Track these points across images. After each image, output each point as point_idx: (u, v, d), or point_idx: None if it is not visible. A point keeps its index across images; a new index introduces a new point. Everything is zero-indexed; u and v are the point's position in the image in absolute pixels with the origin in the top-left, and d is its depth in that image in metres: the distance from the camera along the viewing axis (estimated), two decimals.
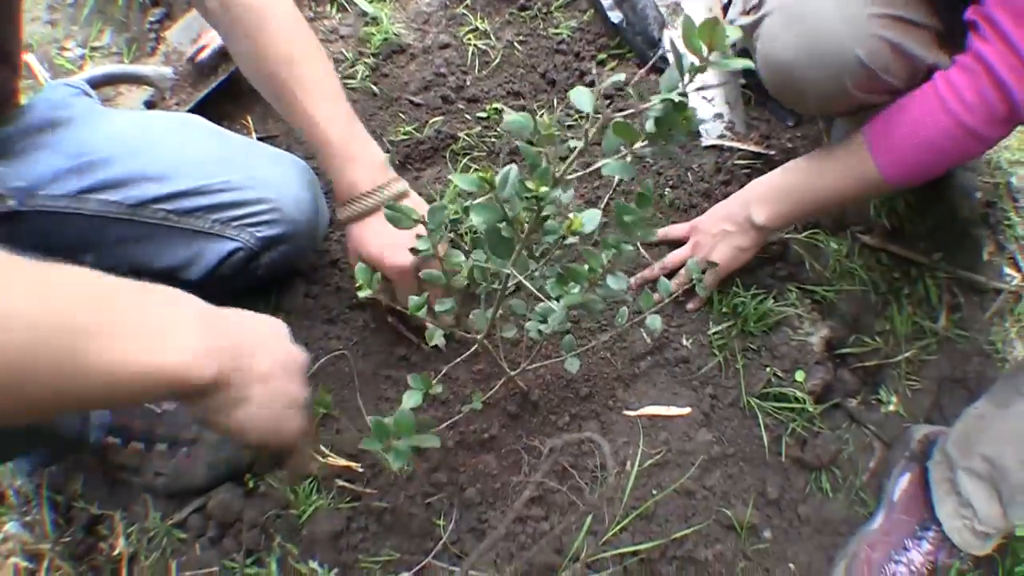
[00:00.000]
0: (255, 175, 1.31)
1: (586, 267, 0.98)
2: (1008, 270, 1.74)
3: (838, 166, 1.28)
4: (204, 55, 1.76)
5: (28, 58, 1.93)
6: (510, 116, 0.67)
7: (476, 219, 0.80)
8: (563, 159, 0.71)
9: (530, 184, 0.71)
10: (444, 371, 1.15)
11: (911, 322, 1.59)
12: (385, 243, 1.21)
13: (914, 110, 1.16)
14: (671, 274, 1.47)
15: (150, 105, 1.83)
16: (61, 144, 1.25)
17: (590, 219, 0.78)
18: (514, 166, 0.75)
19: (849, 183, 1.28)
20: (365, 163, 1.23)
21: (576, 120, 1.61)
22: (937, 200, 1.73)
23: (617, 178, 1.42)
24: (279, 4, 1.24)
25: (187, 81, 1.86)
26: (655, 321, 1.09)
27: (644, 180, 0.94)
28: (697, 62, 0.60)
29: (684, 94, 0.63)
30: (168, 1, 2.12)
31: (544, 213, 0.79)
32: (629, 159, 0.70)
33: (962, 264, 1.68)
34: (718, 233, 1.42)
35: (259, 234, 1.29)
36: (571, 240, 0.90)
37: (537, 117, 0.66)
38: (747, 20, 1.24)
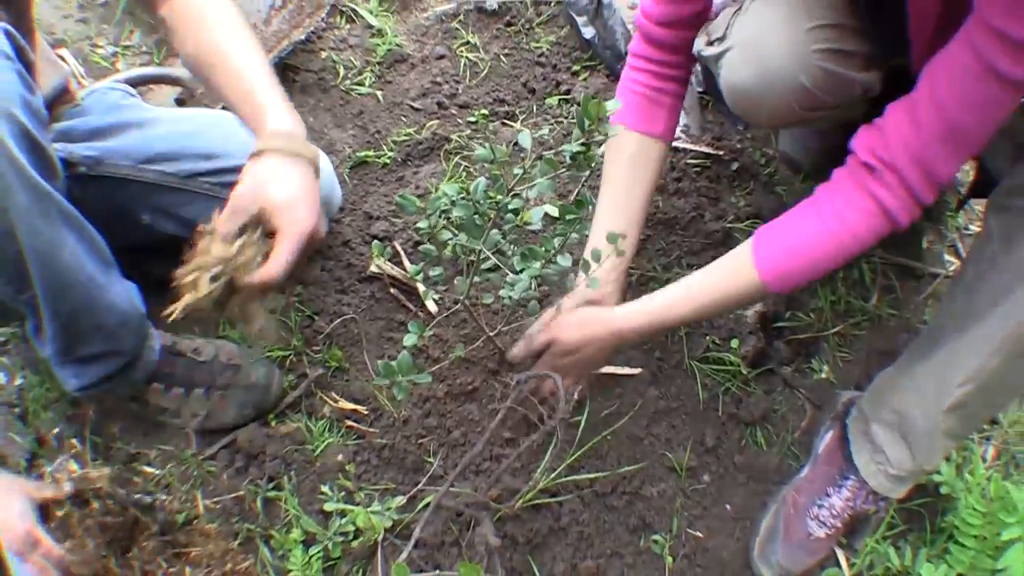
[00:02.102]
0: None
1: (543, 248, 1.32)
2: (948, 256, 1.98)
3: (725, 296, 1.38)
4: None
5: (64, 53, 2.17)
6: (478, 150, 1.01)
7: (457, 213, 1.16)
8: (583, 151, 1.04)
9: (491, 192, 1.06)
10: (435, 327, 1.49)
11: (844, 301, 1.85)
12: (290, 187, 1.25)
13: (821, 250, 1.29)
14: None
15: (180, 102, 2.10)
16: (123, 131, 1.57)
17: (536, 214, 1.13)
18: (483, 179, 1.10)
19: (732, 306, 1.49)
20: (296, 116, 1.34)
21: (551, 124, 1.95)
22: None
23: (585, 175, 1.75)
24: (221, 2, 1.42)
25: None
26: (595, 283, 1.42)
27: (582, 189, 1.26)
28: None
29: (586, 143, 0.98)
30: None
31: (512, 207, 1.15)
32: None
33: (900, 252, 1.92)
34: (582, 362, 1.50)
35: None
36: (536, 226, 1.24)
37: (497, 146, 1.00)
38: (712, 51, 1.49)
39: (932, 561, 1.55)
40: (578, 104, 1.99)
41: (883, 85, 1.51)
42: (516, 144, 1.90)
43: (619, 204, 1.58)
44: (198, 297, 1.15)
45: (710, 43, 1.50)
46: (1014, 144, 1.25)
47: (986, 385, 1.33)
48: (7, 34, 1.13)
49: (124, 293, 1.46)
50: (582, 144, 0.98)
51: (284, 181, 1.24)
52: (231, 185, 1.57)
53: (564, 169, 1.03)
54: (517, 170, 1.00)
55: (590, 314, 1.49)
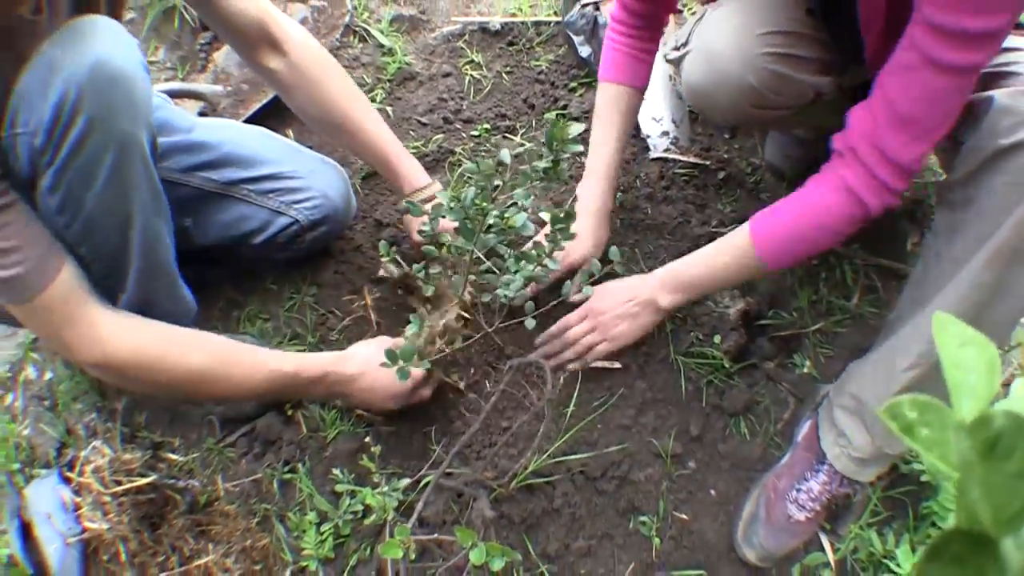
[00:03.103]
0: (312, 171, 1.81)
1: (535, 252, 1.48)
2: None
3: (730, 262, 1.61)
4: None
5: None
6: (467, 163, 1.18)
7: (450, 217, 1.32)
8: (551, 167, 1.24)
9: (478, 200, 1.22)
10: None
11: (826, 301, 1.95)
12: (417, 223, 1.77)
13: (803, 223, 1.48)
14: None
15: (202, 116, 2.25)
16: (172, 133, 1.73)
17: (521, 219, 1.29)
18: (472, 188, 1.26)
19: (739, 274, 1.64)
20: (416, 172, 1.79)
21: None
22: None
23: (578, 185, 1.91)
24: (334, 62, 1.74)
25: (236, 98, 2.36)
26: (588, 290, 1.58)
27: (571, 201, 1.44)
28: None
29: (555, 160, 1.15)
30: None
31: (498, 214, 1.31)
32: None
33: (883, 254, 2.02)
34: (623, 314, 1.75)
35: (311, 216, 1.79)
36: (530, 233, 1.40)
37: (483, 160, 1.17)
38: (676, 55, 1.69)
39: (915, 547, 1.63)
40: (575, 119, 2.15)
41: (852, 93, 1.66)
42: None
43: (613, 140, 1.84)
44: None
45: (676, 48, 1.68)
46: (954, 141, 1.37)
47: (931, 370, 1.44)
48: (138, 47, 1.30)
49: (188, 291, 1.65)
50: (552, 160, 1.16)
51: None
52: (265, 194, 1.76)
53: (538, 181, 1.20)
54: (498, 181, 1.16)
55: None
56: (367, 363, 1.62)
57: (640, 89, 1.87)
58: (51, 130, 1.20)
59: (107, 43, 1.22)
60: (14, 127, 1.21)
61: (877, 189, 1.37)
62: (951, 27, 1.17)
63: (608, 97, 1.86)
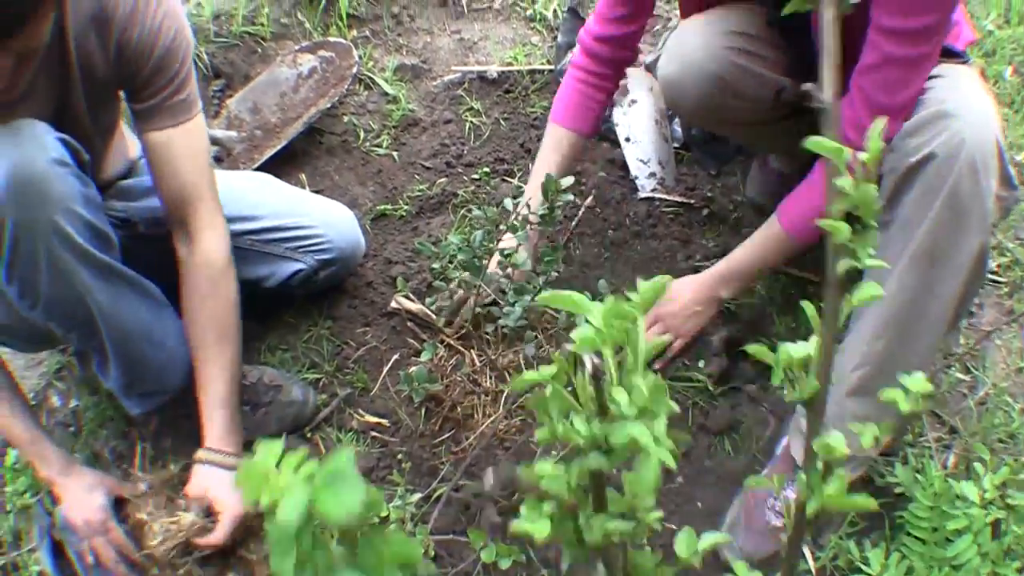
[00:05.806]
0: (315, 216, 1.99)
1: (531, 285, 1.73)
2: None
3: (768, 244, 1.93)
4: None
5: None
6: (476, 211, 1.43)
7: (460, 256, 1.57)
8: (547, 213, 1.48)
9: (485, 241, 1.48)
10: (447, 350, 1.89)
11: (803, 327, 2.18)
12: (224, 489, 1.66)
13: (812, 199, 1.81)
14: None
15: (217, 160, 2.44)
16: None
17: (520, 256, 1.54)
18: (480, 231, 1.51)
19: (778, 253, 1.95)
20: (235, 434, 1.74)
21: None
22: None
23: (572, 224, 2.16)
24: (227, 290, 1.77)
25: (250, 143, 2.58)
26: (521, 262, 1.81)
27: (559, 240, 1.68)
28: None
29: (551, 207, 1.40)
30: (229, 74, 2.81)
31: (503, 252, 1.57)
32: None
33: None
34: (691, 315, 2.04)
35: (317, 258, 1.99)
36: (527, 267, 1.65)
37: (489, 208, 1.44)
38: (652, 58, 2.00)
39: (890, 553, 1.75)
40: None
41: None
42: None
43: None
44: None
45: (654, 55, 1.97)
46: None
47: (879, 367, 1.67)
48: (63, 142, 1.47)
49: (173, 329, 1.79)
50: (547, 208, 1.42)
51: (221, 484, 1.67)
52: (270, 243, 1.95)
53: (536, 225, 1.47)
54: (503, 226, 1.42)
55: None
56: (64, 472, 1.71)
57: (586, 136, 2.11)
58: None
59: (18, 150, 1.40)
60: None
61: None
62: (899, 28, 1.51)
63: (554, 140, 2.08)
